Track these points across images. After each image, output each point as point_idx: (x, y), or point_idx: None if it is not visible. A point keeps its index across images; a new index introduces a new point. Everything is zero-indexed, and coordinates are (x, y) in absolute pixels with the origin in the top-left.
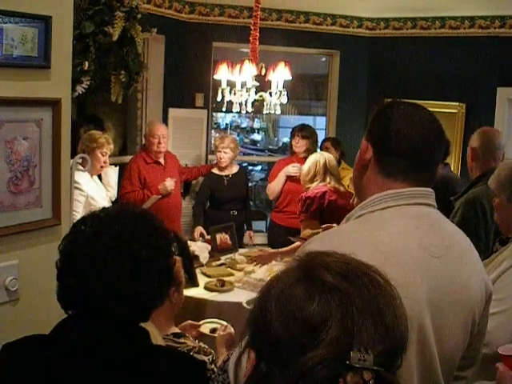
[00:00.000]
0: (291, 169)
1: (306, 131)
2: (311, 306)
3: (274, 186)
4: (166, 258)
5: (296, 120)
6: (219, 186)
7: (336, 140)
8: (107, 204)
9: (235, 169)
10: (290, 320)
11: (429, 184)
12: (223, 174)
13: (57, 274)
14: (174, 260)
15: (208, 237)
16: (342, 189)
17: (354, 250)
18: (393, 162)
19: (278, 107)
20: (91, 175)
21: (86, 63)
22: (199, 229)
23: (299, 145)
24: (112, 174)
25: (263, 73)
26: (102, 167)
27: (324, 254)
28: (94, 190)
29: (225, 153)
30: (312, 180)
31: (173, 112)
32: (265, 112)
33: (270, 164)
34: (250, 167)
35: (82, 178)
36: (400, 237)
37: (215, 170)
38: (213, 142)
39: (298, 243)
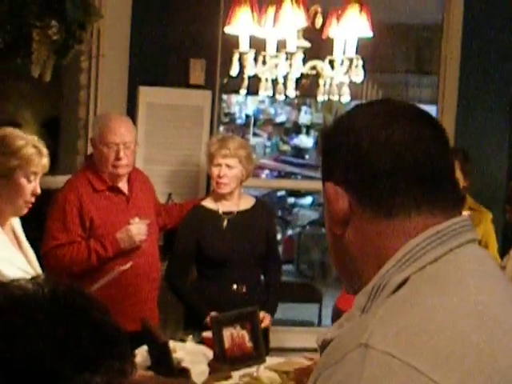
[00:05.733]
0: None
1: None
2: None
3: None
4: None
5: None
6: (212, 233)
7: (465, 155)
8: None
9: (247, 201)
10: None
11: (457, 206)
12: (222, 208)
13: None
14: None
15: (207, 333)
16: None
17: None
18: (387, 186)
19: (347, 88)
20: (3, 222)
21: None
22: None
23: None
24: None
25: (319, 24)
26: (27, 204)
27: None
28: (4, 252)
29: (227, 166)
30: None
31: (146, 94)
32: (321, 97)
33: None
34: (292, 199)
35: None
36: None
37: (207, 202)
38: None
39: None
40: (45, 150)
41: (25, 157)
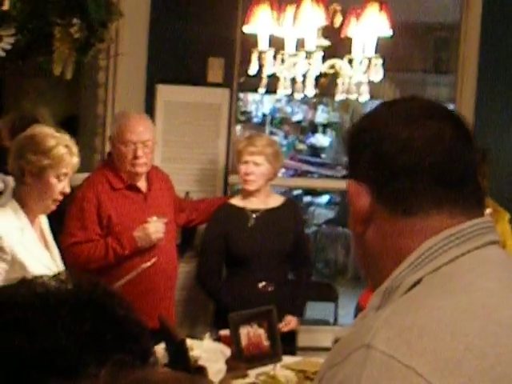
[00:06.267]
0: None
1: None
2: None
3: None
4: None
5: None
6: (238, 231)
7: (483, 155)
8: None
9: (276, 199)
10: None
11: (478, 207)
12: (249, 206)
13: None
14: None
15: (225, 332)
16: None
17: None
18: (406, 185)
19: (366, 87)
20: (32, 219)
21: (7, 2)
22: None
23: None
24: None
25: (338, 23)
26: (55, 202)
27: None
28: (32, 250)
29: (255, 164)
30: None
31: (164, 92)
32: (339, 96)
33: (346, 194)
34: (308, 197)
35: (4, 226)
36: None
37: (235, 201)
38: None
39: None
40: (75, 149)
41: (56, 156)
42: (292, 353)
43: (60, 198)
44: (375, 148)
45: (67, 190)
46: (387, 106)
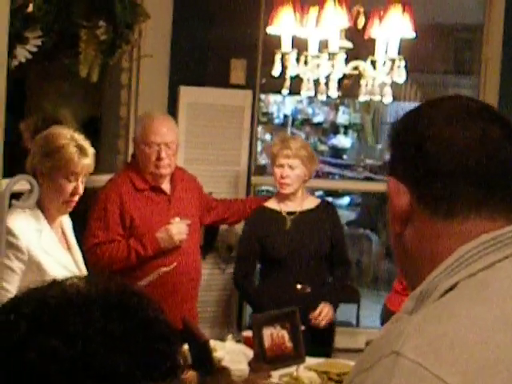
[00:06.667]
0: None
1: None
2: None
3: None
4: (164, 379)
5: None
6: (275, 234)
7: None
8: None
9: (311, 201)
10: None
11: None
12: (285, 209)
13: None
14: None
15: (248, 333)
16: None
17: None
18: (448, 187)
19: (388, 89)
20: (51, 221)
21: (31, 4)
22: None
23: None
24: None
25: (361, 24)
26: (68, 204)
27: None
28: (51, 251)
29: (290, 167)
30: None
31: (187, 94)
32: (363, 97)
33: (368, 196)
34: (330, 199)
35: (22, 226)
36: None
37: (271, 204)
38: (259, 147)
39: None
40: (89, 150)
41: (64, 157)
42: (327, 355)
43: (72, 199)
44: (417, 148)
45: (80, 191)
46: (430, 104)
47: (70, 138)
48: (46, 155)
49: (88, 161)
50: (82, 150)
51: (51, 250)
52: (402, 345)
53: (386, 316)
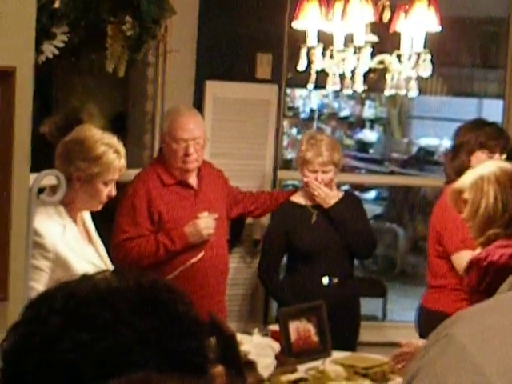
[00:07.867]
0: None
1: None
2: None
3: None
4: (194, 375)
5: (445, 105)
6: (301, 228)
7: None
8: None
9: (335, 195)
10: None
11: None
12: (311, 203)
13: None
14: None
15: (274, 327)
16: None
17: None
18: None
19: (414, 83)
20: (75, 217)
21: (58, 1)
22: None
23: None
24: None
25: (386, 18)
26: (101, 204)
27: None
28: (75, 246)
29: (323, 172)
30: (489, 226)
31: (213, 88)
32: (388, 91)
33: (394, 190)
34: (356, 193)
35: (46, 224)
36: None
37: (296, 198)
38: (285, 141)
39: None
40: (123, 151)
41: (105, 164)
42: (352, 349)
43: (106, 200)
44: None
45: (113, 193)
46: None
47: (106, 144)
48: (86, 161)
49: (124, 162)
50: (118, 154)
51: (76, 246)
52: (456, 329)
53: (422, 315)
